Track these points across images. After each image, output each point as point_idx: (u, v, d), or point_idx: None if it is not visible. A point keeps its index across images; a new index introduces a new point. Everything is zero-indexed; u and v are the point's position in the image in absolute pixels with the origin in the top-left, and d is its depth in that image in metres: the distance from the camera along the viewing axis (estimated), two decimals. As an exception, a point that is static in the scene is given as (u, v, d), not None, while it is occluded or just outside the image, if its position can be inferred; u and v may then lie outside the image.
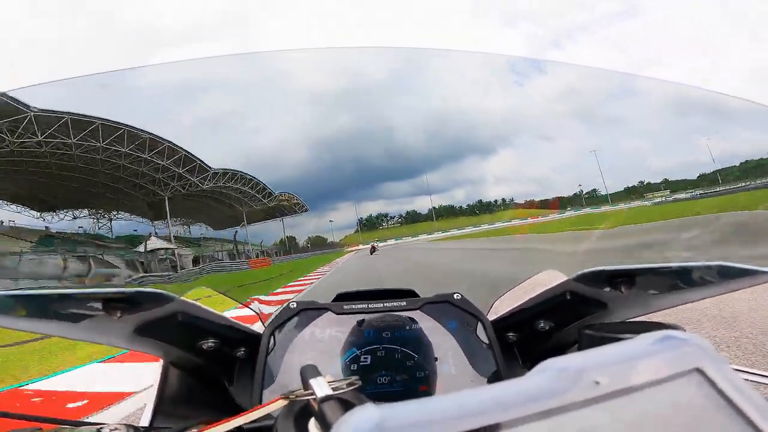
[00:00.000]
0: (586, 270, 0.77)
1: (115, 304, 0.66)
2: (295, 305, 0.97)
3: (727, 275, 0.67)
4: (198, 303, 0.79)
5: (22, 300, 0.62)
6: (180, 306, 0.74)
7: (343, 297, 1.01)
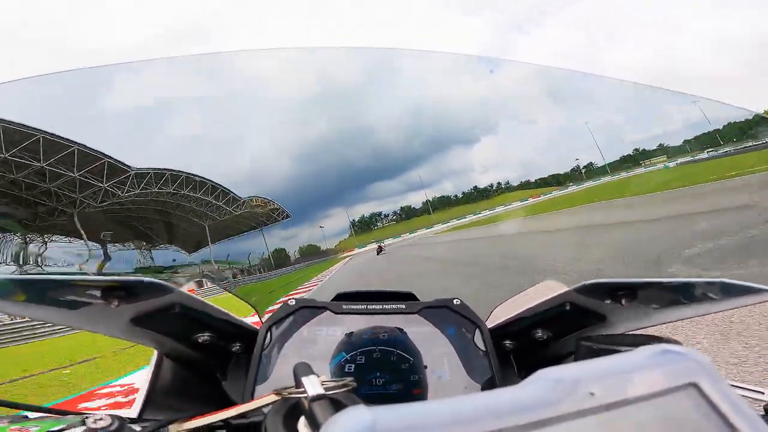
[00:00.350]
0: (587, 281, 0.76)
1: (114, 292, 0.65)
2: (293, 302, 0.96)
3: (729, 293, 0.67)
4: (196, 295, 0.78)
5: (21, 284, 0.60)
6: (178, 297, 0.73)
7: (342, 297, 1.01)
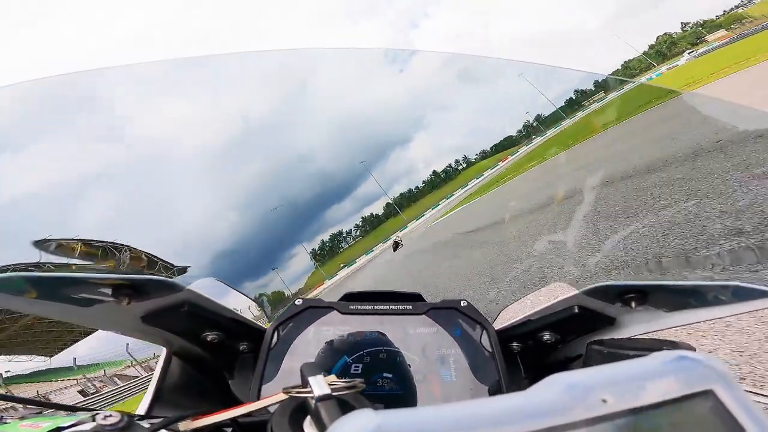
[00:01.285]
0: (596, 284, 0.75)
1: (125, 290, 0.65)
2: (301, 302, 0.96)
3: (742, 296, 0.65)
4: (206, 294, 0.78)
5: (33, 281, 0.60)
6: (188, 296, 0.73)
7: (350, 297, 1.00)
